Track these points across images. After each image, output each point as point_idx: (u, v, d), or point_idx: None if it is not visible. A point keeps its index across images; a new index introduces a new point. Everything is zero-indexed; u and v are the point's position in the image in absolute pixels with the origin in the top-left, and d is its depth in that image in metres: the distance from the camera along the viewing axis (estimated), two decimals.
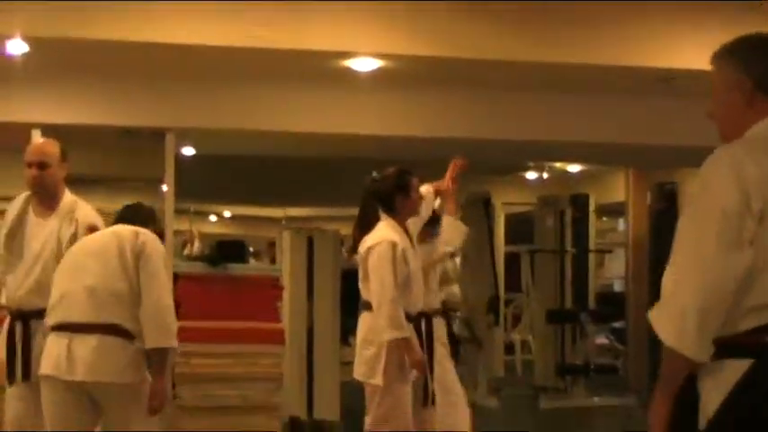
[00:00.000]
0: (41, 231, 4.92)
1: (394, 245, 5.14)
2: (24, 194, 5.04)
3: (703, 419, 2.57)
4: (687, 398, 2.58)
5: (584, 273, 11.20)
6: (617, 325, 12.46)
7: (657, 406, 2.62)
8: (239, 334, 7.03)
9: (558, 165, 11.91)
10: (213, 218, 18.88)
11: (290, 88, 7.27)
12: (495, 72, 7.00)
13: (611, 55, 6.68)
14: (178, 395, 6.75)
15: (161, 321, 4.32)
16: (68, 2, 5.92)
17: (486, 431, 8.29)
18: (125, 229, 4.49)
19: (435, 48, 6.46)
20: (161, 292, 4.36)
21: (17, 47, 6.24)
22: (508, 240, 12.99)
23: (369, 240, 5.22)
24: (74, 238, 4.83)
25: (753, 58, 2.69)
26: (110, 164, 9.17)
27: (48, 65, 6.74)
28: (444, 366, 5.94)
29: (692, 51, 6.31)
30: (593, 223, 11.40)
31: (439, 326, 5.96)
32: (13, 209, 5.03)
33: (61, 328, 4.31)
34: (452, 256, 6.67)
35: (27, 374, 4.75)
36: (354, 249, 5.36)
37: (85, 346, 4.22)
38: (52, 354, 4.28)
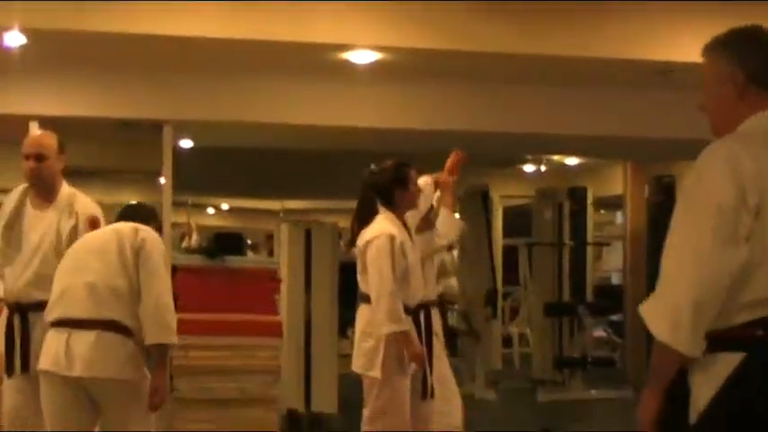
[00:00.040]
0: (40, 223, 4.91)
1: (392, 238, 5.14)
2: (22, 186, 5.03)
3: (694, 413, 2.55)
4: (677, 392, 2.57)
5: (582, 266, 11.20)
6: (614, 318, 12.47)
7: (648, 400, 2.60)
8: (237, 326, 7.02)
9: (556, 158, 11.91)
10: (211, 210, 18.89)
11: (288, 81, 7.26)
12: (494, 65, 7.00)
13: (609, 48, 6.68)
14: (176, 388, 6.75)
15: (161, 318, 4.32)
16: None
17: (484, 424, 8.30)
18: (125, 226, 4.50)
19: (434, 40, 6.46)
20: (161, 290, 4.36)
21: (15, 39, 6.23)
22: (506, 233, 12.98)
23: (367, 234, 5.22)
24: (74, 231, 4.84)
25: (746, 51, 2.67)
26: (107, 156, 9.17)
27: (45, 57, 6.74)
28: (441, 359, 5.93)
29: (690, 44, 6.23)
30: (590, 216, 11.40)
31: (435, 318, 5.95)
32: (10, 201, 5.02)
33: (61, 323, 4.30)
34: (450, 249, 6.69)
35: (25, 366, 4.75)
36: (353, 242, 5.36)
37: (84, 341, 4.22)
38: (51, 349, 4.28)
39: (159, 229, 4.70)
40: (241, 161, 11.07)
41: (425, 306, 5.45)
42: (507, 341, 12.68)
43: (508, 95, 7.68)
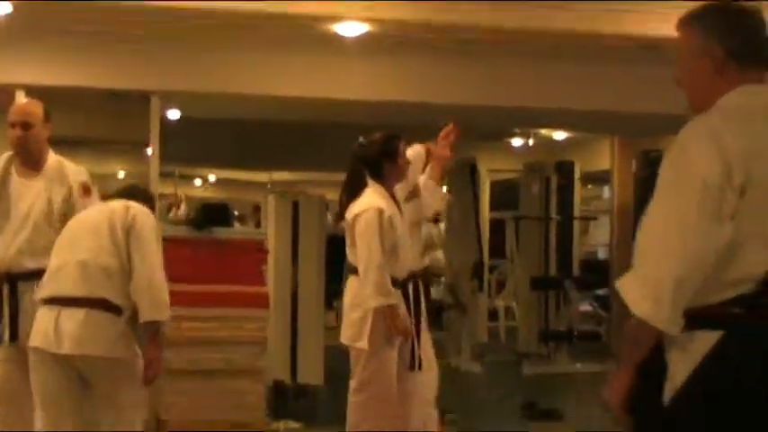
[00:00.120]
0: (28, 192, 4.90)
1: (381, 212, 5.14)
2: (6, 154, 5.02)
3: (670, 390, 2.54)
4: (652, 368, 2.54)
5: (569, 240, 11.22)
6: (601, 292, 12.51)
7: (621, 374, 2.58)
8: (224, 298, 7.01)
9: (543, 132, 11.91)
10: (198, 181, 18.82)
11: (276, 52, 7.24)
12: (483, 38, 6.98)
13: (597, 22, 6.66)
14: (163, 358, 6.74)
15: (155, 295, 4.32)
16: None
17: (469, 396, 8.34)
18: (118, 204, 4.50)
19: (423, 13, 6.43)
20: (153, 266, 4.34)
21: (2, 7, 6.18)
22: (493, 207, 13.00)
23: (356, 207, 5.21)
24: (68, 197, 4.84)
25: (725, 28, 2.64)
26: (94, 126, 9.12)
27: (32, 26, 6.70)
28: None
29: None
30: (578, 191, 11.40)
31: None
32: None
33: (52, 301, 4.30)
34: (436, 221, 6.72)
35: (14, 336, 4.76)
36: (341, 215, 5.35)
37: (73, 319, 4.21)
38: (41, 327, 4.27)
39: (153, 209, 4.71)
40: (229, 132, 11.03)
41: (414, 278, 5.46)
42: (493, 314, 12.72)
43: (497, 69, 7.67)
